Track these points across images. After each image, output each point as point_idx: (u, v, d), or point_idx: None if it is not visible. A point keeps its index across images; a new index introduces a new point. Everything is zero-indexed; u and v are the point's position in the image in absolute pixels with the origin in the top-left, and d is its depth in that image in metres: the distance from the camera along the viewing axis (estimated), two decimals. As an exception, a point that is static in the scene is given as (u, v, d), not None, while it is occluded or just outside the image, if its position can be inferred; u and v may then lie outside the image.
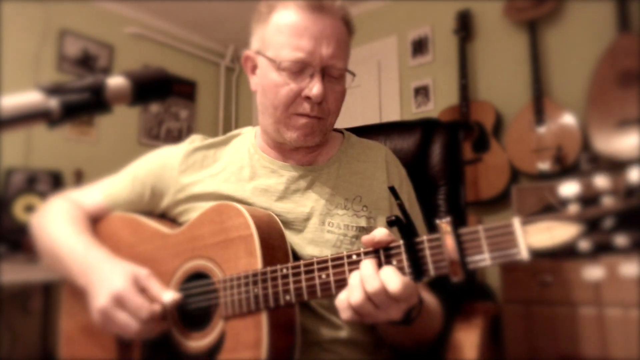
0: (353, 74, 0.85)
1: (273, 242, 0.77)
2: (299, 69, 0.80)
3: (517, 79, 2.52)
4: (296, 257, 0.80)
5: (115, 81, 0.53)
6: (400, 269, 0.63)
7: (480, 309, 1.17)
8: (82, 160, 2.86)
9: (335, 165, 0.91)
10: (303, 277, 0.70)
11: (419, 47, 2.95)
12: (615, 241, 0.50)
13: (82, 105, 0.50)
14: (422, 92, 2.90)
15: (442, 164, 1.15)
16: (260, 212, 0.81)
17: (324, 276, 0.68)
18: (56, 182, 2.50)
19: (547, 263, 1.84)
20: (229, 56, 3.90)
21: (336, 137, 0.97)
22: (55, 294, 2.37)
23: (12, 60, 2.63)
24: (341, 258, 0.68)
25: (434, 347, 0.87)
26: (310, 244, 0.83)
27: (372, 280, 0.61)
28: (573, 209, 0.52)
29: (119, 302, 0.75)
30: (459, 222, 0.61)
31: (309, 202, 0.86)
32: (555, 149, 2.22)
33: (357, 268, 0.64)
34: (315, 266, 0.69)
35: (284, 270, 0.71)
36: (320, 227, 0.83)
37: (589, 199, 0.52)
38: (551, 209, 0.54)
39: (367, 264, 0.63)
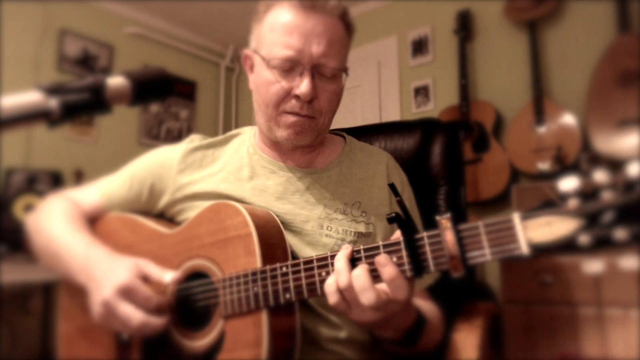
0: (346, 73, 0.84)
1: (272, 240, 0.77)
2: (289, 67, 0.80)
3: (517, 79, 2.51)
4: (294, 258, 0.80)
5: (115, 81, 0.53)
6: (401, 265, 0.63)
7: (480, 309, 1.17)
8: (82, 160, 2.86)
9: (336, 169, 0.90)
10: (303, 274, 0.70)
11: (419, 47, 2.95)
12: (615, 235, 0.50)
13: (82, 105, 0.50)
14: (422, 92, 2.90)
15: (442, 164, 1.15)
16: (259, 211, 0.80)
17: (324, 274, 0.68)
18: (56, 182, 2.50)
19: (548, 262, 1.84)
20: (229, 56, 3.90)
21: (338, 141, 0.97)
22: (55, 294, 2.37)
23: (12, 60, 2.63)
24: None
25: (434, 352, 0.87)
26: (308, 246, 0.83)
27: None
28: (572, 203, 0.52)
29: (126, 293, 0.75)
30: (458, 220, 0.61)
31: (307, 205, 0.86)
32: (555, 149, 2.22)
33: (357, 266, 0.65)
34: (315, 264, 0.69)
35: (284, 269, 0.71)
36: (318, 231, 0.83)
37: (588, 193, 0.52)
38: (551, 203, 0.54)
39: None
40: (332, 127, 0.92)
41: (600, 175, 0.51)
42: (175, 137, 3.50)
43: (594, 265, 1.68)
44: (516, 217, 0.56)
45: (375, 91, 3.09)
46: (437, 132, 1.18)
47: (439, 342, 0.86)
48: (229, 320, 0.75)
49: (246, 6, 3.13)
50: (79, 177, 2.75)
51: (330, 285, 0.65)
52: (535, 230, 0.54)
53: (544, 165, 2.22)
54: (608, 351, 1.67)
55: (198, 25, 3.56)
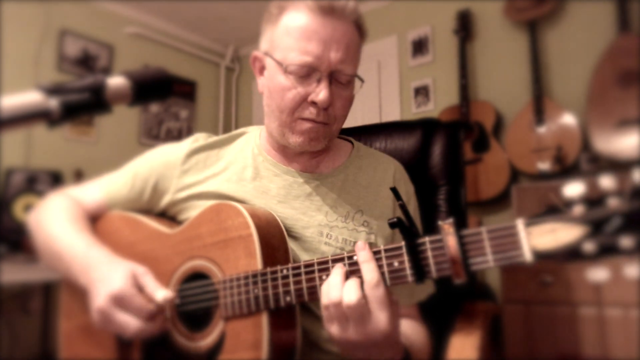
0: (362, 80, 0.83)
1: (273, 242, 0.76)
2: (306, 73, 0.78)
3: (517, 79, 2.52)
4: (293, 261, 0.80)
5: (115, 81, 0.53)
6: (402, 270, 0.63)
7: (480, 309, 1.17)
8: (82, 160, 2.86)
9: (341, 175, 0.89)
10: (304, 277, 0.69)
11: (419, 47, 2.95)
12: (620, 243, 0.49)
13: (82, 105, 0.50)
14: (422, 92, 2.90)
15: (442, 164, 1.15)
16: (260, 212, 0.80)
17: (324, 277, 0.67)
18: (56, 182, 2.50)
19: (548, 263, 1.84)
20: (229, 56, 3.90)
21: (345, 147, 0.95)
22: (55, 294, 2.37)
23: (12, 60, 2.63)
24: (342, 259, 0.67)
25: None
26: (306, 253, 0.82)
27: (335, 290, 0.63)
28: (578, 210, 0.51)
29: (118, 302, 0.74)
30: (460, 224, 0.60)
31: (309, 211, 0.85)
32: (555, 149, 2.22)
33: (358, 269, 0.64)
34: (316, 267, 0.69)
35: (285, 271, 0.71)
36: (317, 238, 0.82)
37: (594, 200, 0.50)
38: (555, 210, 0.53)
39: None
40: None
41: (606, 181, 0.50)
42: (175, 137, 3.50)
43: (598, 274, 1.68)
44: (520, 224, 0.55)
45: (375, 91, 3.09)
46: (437, 132, 1.18)
47: None
48: (229, 321, 0.75)
49: (246, 6, 3.14)
50: (79, 177, 2.75)
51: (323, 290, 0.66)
52: (539, 237, 0.53)
53: (544, 165, 2.22)
54: (608, 351, 1.67)
55: (198, 25, 3.56)
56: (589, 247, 0.50)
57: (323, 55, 0.77)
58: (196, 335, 0.78)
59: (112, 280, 0.76)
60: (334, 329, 0.65)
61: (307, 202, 0.86)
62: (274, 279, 0.71)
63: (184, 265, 0.83)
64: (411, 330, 0.82)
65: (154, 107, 3.40)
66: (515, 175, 2.41)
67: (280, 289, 0.70)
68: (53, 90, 0.49)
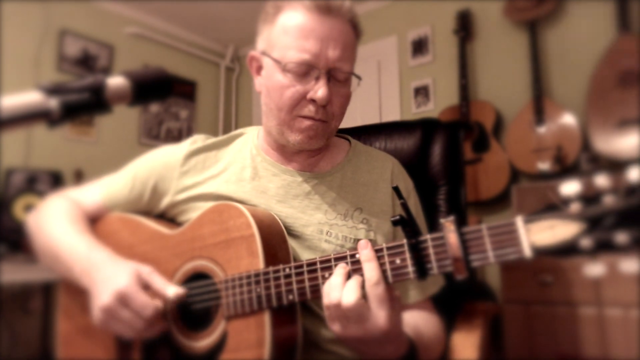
0: (359, 78, 0.84)
1: (274, 242, 0.77)
2: (305, 71, 0.79)
3: (517, 79, 2.52)
4: (294, 261, 0.80)
5: (115, 81, 0.53)
6: (404, 267, 0.63)
7: (480, 309, 1.17)
8: (82, 160, 2.86)
9: (339, 173, 0.90)
10: (306, 276, 0.70)
11: (419, 47, 2.95)
12: (616, 239, 0.51)
13: (82, 105, 0.50)
14: (422, 92, 2.91)
15: (442, 164, 1.15)
16: (261, 212, 0.80)
17: (327, 275, 0.68)
18: (56, 182, 2.50)
19: (548, 263, 1.85)
20: (229, 56, 3.90)
21: (342, 144, 0.96)
22: (55, 294, 2.37)
23: (12, 60, 2.63)
24: (344, 257, 0.68)
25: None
26: (307, 251, 0.82)
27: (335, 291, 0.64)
28: (575, 207, 0.53)
29: (124, 300, 0.74)
30: (461, 224, 0.62)
31: (308, 209, 0.85)
32: (555, 149, 2.22)
33: (360, 267, 0.65)
34: (319, 265, 0.69)
35: (287, 270, 0.71)
36: (317, 236, 0.83)
37: (590, 197, 0.52)
38: (553, 207, 0.54)
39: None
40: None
41: (601, 180, 0.52)
42: (175, 137, 3.50)
43: (594, 269, 1.68)
44: (519, 221, 0.56)
45: (375, 91, 3.09)
46: (437, 132, 1.18)
47: (439, 357, 0.86)
48: (231, 321, 0.75)
49: (246, 6, 3.14)
50: (79, 177, 2.75)
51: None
52: (538, 234, 0.55)
53: (544, 165, 2.22)
54: (608, 351, 1.67)
55: (198, 25, 3.56)
56: (586, 243, 0.52)
57: (321, 53, 0.78)
58: (197, 335, 0.78)
59: (118, 279, 0.76)
60: (335, 327, 0.66)
61: (306, 201, 0.86)
62: (277, 278, 0.72)
63: (185, 265, 0.83)
64: (422, 322, 0.83)
65: (154, 107, 3.40)
66: (515, 175, 2.41)
67: (283, 288, 0.71)
68: (53, 90, 0.49)
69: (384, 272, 0.64)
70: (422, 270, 0.62)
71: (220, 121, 3.85)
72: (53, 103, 0.48)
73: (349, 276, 0.66)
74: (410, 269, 0.63)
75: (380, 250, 0.65)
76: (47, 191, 2.32)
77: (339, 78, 0.81)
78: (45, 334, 2.36)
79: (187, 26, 3.57)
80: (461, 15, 2.68)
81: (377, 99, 3.08)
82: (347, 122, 1.15)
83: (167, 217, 0.96)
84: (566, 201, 0.53)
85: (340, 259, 0.68)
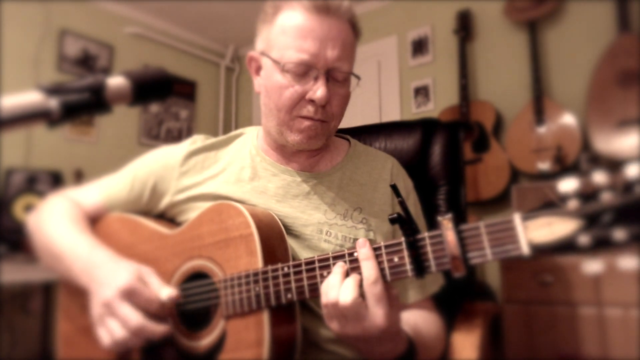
0: (358, 78, 0.84)
1: (273, 241, 0.77)
2: (303, 71, 0.78)
3: (517, 79, 2.52)
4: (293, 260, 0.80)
5: (115, 81, 0.53)
6: (402, 265, 0.63)
7: (480, 309, 1.17)
8: (82, 160, 2.86)
9: (339, 173, 0.90)
10: (305, 275, 0.70)
11: (419, 47, 2.95)
12: (614, 235, 0.51)
13: (82, 105, 0.50)
14: (422, 92, 2.91)
15: (442, 164, 1.15)
16: (260, 211, 0.80)
17: (325, 274, 0.68)
18: (56, 182, 2.50)
19: (548, 263, 1.85)
20: (229, 56, 3.90)
21: (342, 144, 0.96)
22: (55, 294, 2.37)
23: (12, 60, 2.63)
24: (342, 256, 0.68)
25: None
26: (307, 250, 0.82)
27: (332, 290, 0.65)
28: (572, 204, 0.53)
29: (128, 295, 0.74)
30: (459, 220, 0.62)
31: (307, 209, 0.85)
32: (555, 149, 2.22)
33: (358, 266, 0.65)
34: (317, 264, 0.69)
35: (285, 269, 0.71)
36: (317, 236, 0.83)
37: (588, 194, 0.52)
38: (551, 204, 0.54)
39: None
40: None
41: (599, 177, 0.52)
42: (175, 137, 3.50)
43: (593, 265, 1.68)
44: (517, 218, 0.56)
45: (375, 91, 3.09)
46: (437, 132, 1.18)
47: (440, 355, 0.86)
48: (230, 320, 0.75)
49: (246, 6, 3.14)
50: (79, 177, 2.75)
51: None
52: (536, 231, 0.55)
53: (544, 165, 2.22)
54: (608, 351, 1.67)
55: (198, 25, 3.56)
56: (584, 239, 0.52)
57: (319, 53, 0.77)
58: (197, 335, 0.79)
59: (121, 275, 0.76)
60: (333, 325, 0.66)
61: (305, 200, 0.86)
62: (275, 277, 0.72)
63: (185, 265, 0.83)
64: (422, 321, 0.83)
65: (154, 107, 3.40)
66: (515, 175, 2.41)
67: (282, 287, 0.71)
68: (53, 90, 0.49)
69: (382, 270, 0.64)
70: (420, 268, 0.63)
71: (220, 121, 3.85)
72: (53, 103, 0.48)
73: (347, 275, 0.66)
74: (408, 267, 0.63)
75: (379, 248, 0.65)
76: (47, 191, 2.32)
77: (338, 78, 0.81)
78: (45, 334, 2.36)
79: (187, 26, 3.57)
80: (461, 15, 2.68)
81: (377, 99, 3.08)
82: (347, 122, 1.15)
83: (167, 217, 0.96)
84: (564, 198, 0.53)
85: (338, 257, 0.68)
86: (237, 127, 1.03)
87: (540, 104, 2.32)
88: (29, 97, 0.48)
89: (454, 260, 0.59)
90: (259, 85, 0.87)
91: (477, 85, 2.67)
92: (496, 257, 0.58)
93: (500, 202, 2.43)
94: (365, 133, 1.21)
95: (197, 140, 0.96)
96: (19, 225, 2.24)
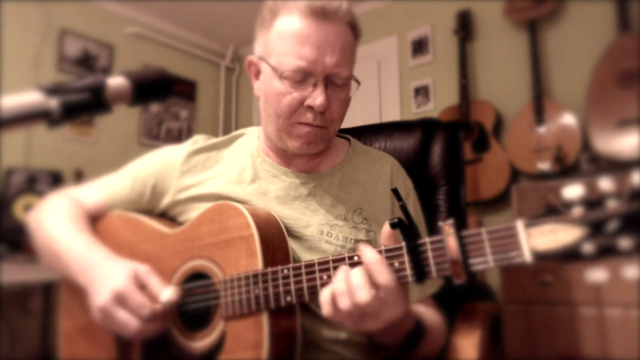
0: (358, 82, 0.83)
1: (274, 242, 0.77)
2: (302, 78, 0.78)
3: (517, 79, 2.52)
4: (294, 262, 0.80)
5: (115, 81, 0.53)
6: (402, 270, 0.63)
7: (480, 309, 1.17)
8: (82, 160, 2.86)
9: (339, 174, 0.89)
10: (304, 277, 0.70)
11: (419, 47, 2.95)
12: (619, 244, 0.50)
13: (82, 105, 0.50)
14: (422, 92, 2.90)
15: (442, 164, 1.15)
16: (261, 212, 0.80)
17: (325, 277, 0.68)
18: (56, 182, 2.50)
19: (548, 263, 1.84)
20: (229, 56, 3.90)
21: (342, 144, 0.95)
22: (55, 294, 2.37)
23: (12, 60, 2.63)
24: (342, 259, 0.67)
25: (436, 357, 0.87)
26: (308, 251, 0.82)
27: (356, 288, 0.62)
28: (577, 211, 0.52)
29: (120, 300, 0.74)
30: (460, 224, 0.61)
31: (308, 211, 0.85)
32: (555, 149, 2.22)
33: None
34: (317, 267, 0.69)
35: (285, 271, 0.71)
36: (318, 237, 0.83)
37: (593, 201, 0.51)
38: (555, 211, 0.53)
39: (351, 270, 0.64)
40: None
41: (605, 183, 0.51)
42: (175, 137, 3.50)
43: (596, 275, 1.68)
44: (520, 225, 0.55)
45: (375, 91, 3.09)
46: (437, 132, 1.18)
47: (441, 349, 0.86)
48: (229, 321, 0.75)
49: (246, 6, 3.14)
50: (79, 177, 2.75)
51: (325, 297, 0.64)
52: (539, 238, 0.54)
53: (544, 165, 2.22)
54: (608, 351, 1.67)
55: (198, 25, 3.56)
56: (588, 248, 0.51)
57: (317, 60, 0.76)
58: (196, 335, 0.78)
59: (114, 278, 0.76)
60: (348, 323, 0.65)
61: (306, 202, 0.86)
62: (275, 279, 0.71)
63: (185, 265, 0.83)
64: (424, 310, 0.83)
65: (154, 107, 3.40)
66: (515, 175, 2.41)
67: (281, 289, 0.71)
68: (53, 90, 0.49)
69: None
70: (420, 273, 0.62)
71: (220, 121, 3.85)
72: (53, 103, 0.48)
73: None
74: (409, 272, 0.62)
75: (379, 252, 0.65)
76: (47, 191, 2.32)
77: (337, 83, 0.80)
78: (45, 334, 2.36)
79: (187, 26, 3.56)
80: (461, 15, 2.68)
81: (377, 99, 3.08)
82: (348, 122, 1.15)
83: (168, 217, 0.96)
84: (568, 205, 0.52)
85: (338, 260, 0.68)
86: (237, 127, 1.03)
87: (540, 104, 2.32)
88: (29, 97, 0.48)
89: (455, 266, 0.59)
90: (258, 89, 0.87)
91: (477, 85, 2.67)
92: (498, 264, 0.57)
93: (500, 202, 2.43)
94: (365, 133, 1.21)
95: (198, 140, 0.96)
96: (19, 225, 2.24)
